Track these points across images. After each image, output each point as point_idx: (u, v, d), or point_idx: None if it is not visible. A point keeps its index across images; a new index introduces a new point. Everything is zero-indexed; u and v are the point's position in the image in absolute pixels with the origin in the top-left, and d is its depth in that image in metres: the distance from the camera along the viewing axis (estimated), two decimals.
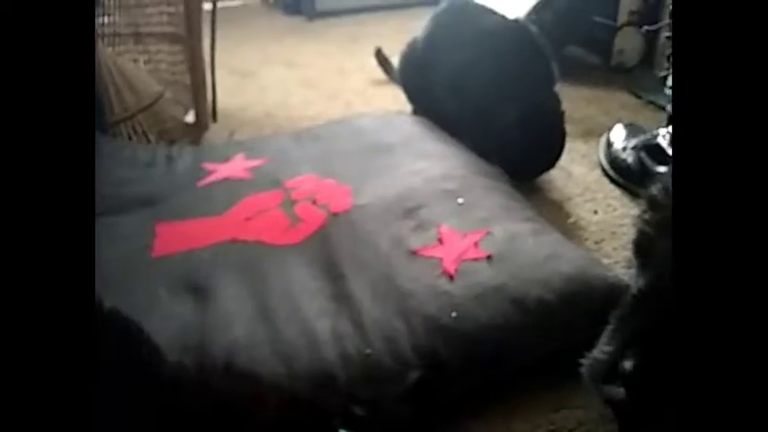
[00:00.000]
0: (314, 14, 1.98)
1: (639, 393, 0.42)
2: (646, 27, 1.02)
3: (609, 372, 0.45)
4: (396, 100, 1.21)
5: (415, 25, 1.03)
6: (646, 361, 0.42)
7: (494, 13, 0.95)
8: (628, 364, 0.42)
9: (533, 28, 0.88)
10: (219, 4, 1.05)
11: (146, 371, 0.45)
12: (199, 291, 0.58)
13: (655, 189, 0.54)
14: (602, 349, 0.47)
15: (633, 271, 0.57)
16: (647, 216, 0.53)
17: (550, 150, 0.85)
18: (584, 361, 0.48)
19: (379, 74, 1.32)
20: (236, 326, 0.53)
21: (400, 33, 1.43)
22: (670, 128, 0.84)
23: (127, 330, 0.46)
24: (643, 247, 0.53)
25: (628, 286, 0.58)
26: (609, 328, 0.49)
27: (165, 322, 0.53)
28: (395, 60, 1.21)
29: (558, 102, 0.85)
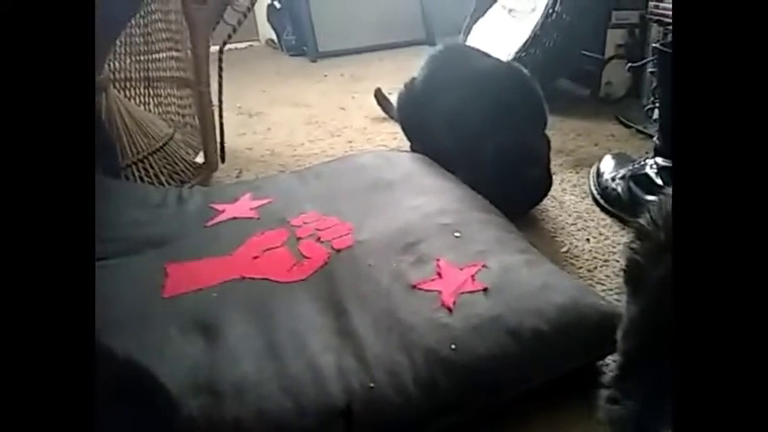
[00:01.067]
0: (316, 56, 2.07)
1: None
2: (630, 64, 1.07)
3: None
4: (395, 137, 1.26)
5: (412, 64, 1.08)
6: None
7: (488, 56, 1.00)
8: None
9: (526, 71, 0.91)
10: (226, 47, 1.11)
11: (158, 423, 0.46)
12: (209, 329, 0.60)
13: (642, 219, 0.55)
14: (622, 402, 0.46)
15: (625, 298, 0.59)
16: (635, 245, 0.55)
17: (537, 189, 0.88)
18: (603, 405, 0.47)
19: (379, 111, 1.38)
20: (245, 362, 0.55)
21: (398, 73, 1.49)
22: (658, 158, 0.87)
23: (140, 380, 0.47)
24: (633, 276, 0.54)
25: (620, 314, 0.60)
26: (618, 364, 0.49)
27: (177, 362, 0.55)
28: (393, 99, 1.26)
29: (547, 144, 0.88)
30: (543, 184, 0.88)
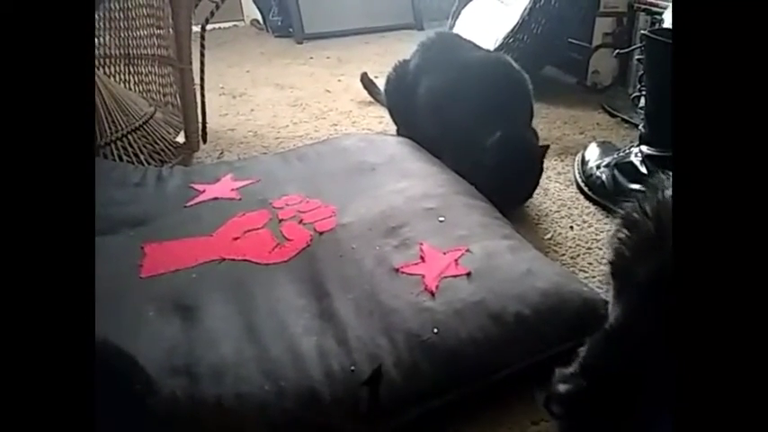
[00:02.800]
0: (302, 37, 2.03)
1: None
2: (617, 51, 1.07)
3: None
4: (380, 120, 1.25)
5: (399, 48, 1.07)
6: None
7: (478, 47, 1.00)
8: None
9: (516, 65, 0.91)
10: (211, 27, 1.08)
11: (137, 404, 0.45)
12: (187, 310, 0.59)
13: (630, 208, 0.54)
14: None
15: (610, 293, 0.56)
16: (622, 236, 0.53)
17: (526, 181, 0.86)
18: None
19: (365, 95, 1.36)
20: (224, 344, 0.54)
21: (385, 56, 1.48)
22: (643, 147, 0.88)
23: (119, 362, 0.47)
24: (620, 270, 0.53)
25: (602, 301, 0.60)
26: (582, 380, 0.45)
27: (154, 343, 0.54)
28: (379, 82, 1.25)
29: (534, 135, 0.87)
30: (536, 173, 0.86)
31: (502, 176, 0.82)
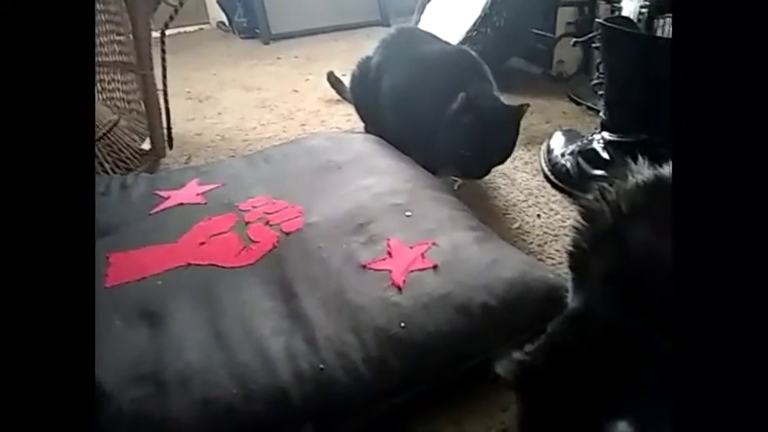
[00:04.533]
0: (269, 38, 2.02)
1: None
2: (575, 39, 1.09)
3: None
4: (348, 119, 1.24)
5: (366, 45, 1.07)
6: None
7: (439, 40, 1.01)
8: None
9: (476, 55, 0.91)
10: (176, 30, 1.07)
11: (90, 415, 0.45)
12: (153, 317, 0.58)
13: (589, 198, 0.53)
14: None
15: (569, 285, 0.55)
16: (580, 227, 0.52)
17: (503, 134, 0.85)
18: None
19: (333, 93, 1.36)
20: (191, 350, 0.54)
21: (353, 53, 1.47)
22: (604, 133, 0.89)
23: None
24: (577, 262, 0.52)
25: (567, 288, 0.60)
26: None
27: (121, 352, 0.54)
28: (347, 80, 1.25)
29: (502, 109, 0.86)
30: (515, 129, 0.85)
31: (476, 134, 0.80)
